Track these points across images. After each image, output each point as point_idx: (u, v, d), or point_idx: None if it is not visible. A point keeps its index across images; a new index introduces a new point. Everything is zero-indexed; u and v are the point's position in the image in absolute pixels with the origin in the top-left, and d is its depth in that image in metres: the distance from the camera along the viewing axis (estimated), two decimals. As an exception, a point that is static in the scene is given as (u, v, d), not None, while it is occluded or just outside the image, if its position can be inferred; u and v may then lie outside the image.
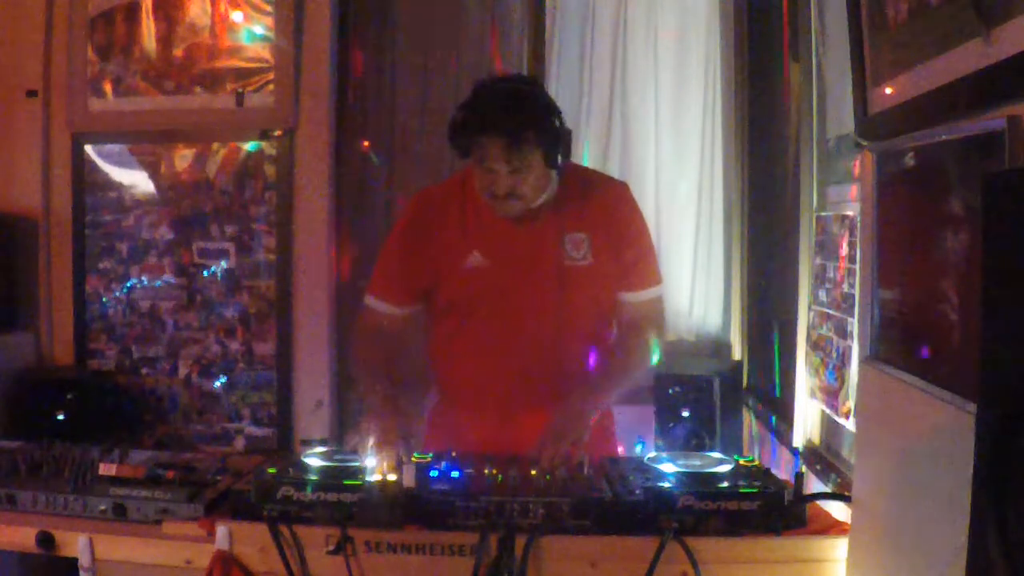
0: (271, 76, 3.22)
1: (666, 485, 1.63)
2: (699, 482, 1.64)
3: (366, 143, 3.48)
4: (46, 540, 1.63)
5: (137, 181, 3.31)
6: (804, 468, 2.21)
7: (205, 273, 3.29)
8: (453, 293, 2.05)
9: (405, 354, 2.09)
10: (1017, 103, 1.10)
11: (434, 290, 2.06)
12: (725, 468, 1.70)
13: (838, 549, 1.58)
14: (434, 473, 1.69)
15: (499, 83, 1.96)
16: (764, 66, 3.09)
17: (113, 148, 3.31)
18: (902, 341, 1.48)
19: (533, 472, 1.69)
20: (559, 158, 1.92)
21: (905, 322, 1.47)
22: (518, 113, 1.85)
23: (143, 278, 3.32)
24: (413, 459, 1.76)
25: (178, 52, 3.26)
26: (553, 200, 2.01)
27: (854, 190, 1.94)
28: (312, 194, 3.25)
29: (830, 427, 2.17)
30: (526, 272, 2.01)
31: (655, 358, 2.13)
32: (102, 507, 1.67)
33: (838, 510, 1.73)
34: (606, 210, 2.04)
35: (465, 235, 2.02)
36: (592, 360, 2.03)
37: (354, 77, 3.42)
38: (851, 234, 1.95)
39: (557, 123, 1.91)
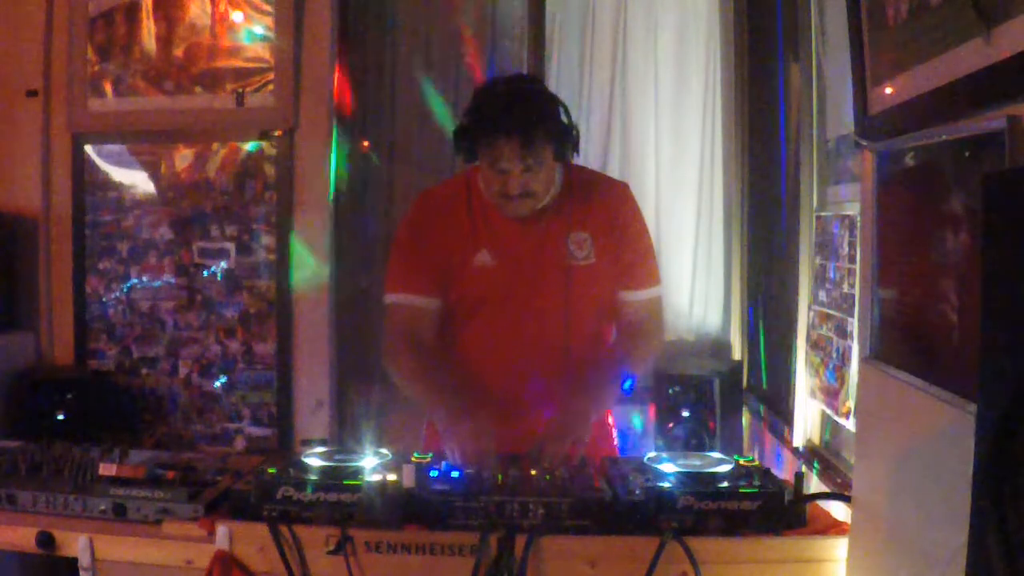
0: (271, 76, 3.22)
1: (666, 485, 1.62)
2: (699, 482, 1.64)
3: (366, 143, 3.48)
4: (46, 540, 1.63)
5: (137, 181, 3.31)
6: (804, 468, 2.21)
7: (205, 273, 3.29)
8: (460, 291, 2.05)
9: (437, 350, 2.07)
10: (1017, 103, 1.10)
11: (445, 288, 2.06)
12: (725, 468, 1.70)
13: (838, 549, 1.58)
14: (434, 473, 1.69)
15: (502, 84, 1.96)
16: (764, 66, 3.09)
17: (113, 148, 3.31)
18: (902, 341, 1.48)
19: (533, 472, 1.69)
20: (569, 154, 1.93)
21: (905, 322, 1.47)
22: (528, 111, 1.85)
23: (143, 278, 3.32)
24: (413, 459, 1.76)
25: (178, 52, 3.26)
26: (556, 200, 2.01)
27: (854, 190, 1.94)
28: (312, 194, 3.25)
29: (830, 427, 2.17)
30: (532, 271, 2.01)
31: (654, 358, 2.13)
32: (102, 507, 1.67)
33: (838, 510, 1.74)
34: (608, 210, 2.04)
35: (473, 234, 2.03)
36: (595, 359, 2.03)
37: (354, 77, 3.42)
38: (851, 234, 1.95)
39: (565, 118, 1.92)
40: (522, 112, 1.84)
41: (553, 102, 1.93)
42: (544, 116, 1.88)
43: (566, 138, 1.92)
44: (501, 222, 2.01)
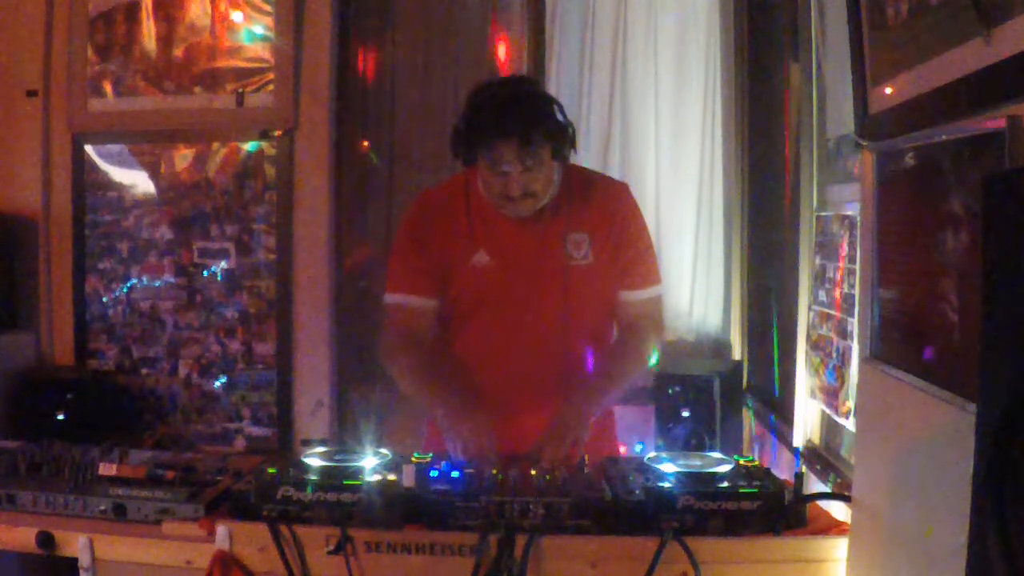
0: (271, 76, 3.22)
1: (666, 485, 1.63)
2: (699, 482, 1.64)
3: (366, 143, 3.48)
4: (46, 540, 1.63)
5: (137, 181, 3.31)
6: (804, 468, 2.21)
7: (205, 273, 3.29)
8: (458, 291, 2.05)
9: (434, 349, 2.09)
10: (1017, 103, 1.10)
11: (443, 288, 2.07)
12: (725, 468, 1.70)
13: (838, 549, 1.58)
14: (434, 473, 1.70)
15: (497, 86, 1.97)
16: (764, 66, 3.09)
17: (113, 148, 3.31)
18: (902, 341, 1.48)
19: (533, 472, 1.69)
20: (567, 152, 1.93)
21: (905, 322, 1.47)
22: (525, 112, 1.86)
23: (143, 278, 3.32)
24: (413, 459, 1.76)
25: (178, 52, 3.26)
26: (555, 200, 2.01)
27: (854, 190, 1.94)
28: (312, 194, 3.25)
29: (830, 427, 2.17)
30: (530, 271, 2.02)
31: (654, 358, 2.13)
32: (102, 507, 1.67)
33: (838, 510, 1.74)
34: (606, 210, 2.04)
35: (471, 234, 2.03)
36: (594, 359, 2.03)
37: (354, 77, 3.42)
38: (851, 234, 1.95)
39: (561, 117, 1.92)
40: (520, 113, 1.85)
41: (549, 102, 1.94)
42: (541, 116, 1.88)
43: (564, 137, 1.92)
44: (499, 222, 2.02)
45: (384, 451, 1.78)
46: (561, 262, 2.01)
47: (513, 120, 1.84)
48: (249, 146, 3.26)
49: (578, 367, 2.01)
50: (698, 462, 1.74)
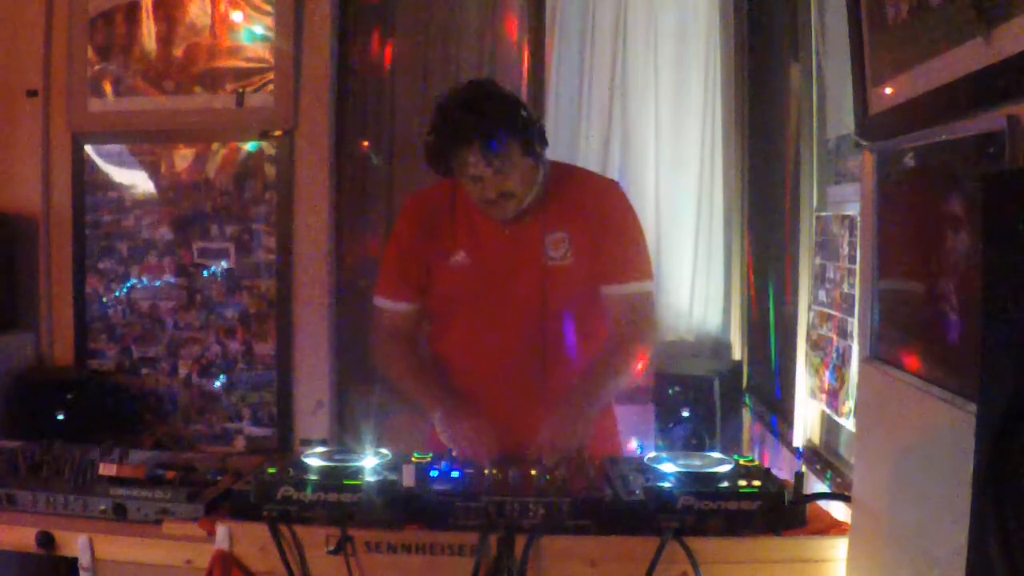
0: (271, 76, 3.22)
1: (666, 485, 1.62)
2: (699, 482, 1.64)
3: (366, 143, 3.48)
4: (46, 540, 1.63)
5: (137, 181, 3.31)
6: (804, 468, 2.21)
7: (205, 273, 3.29)
8: (439, 292, 2.08)
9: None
10: (1017, 103, 1.10)
11: (426, 289, 2.09)
12: (725, 468, 1.70)
13: (838, 549, 1.58)
14: (434, 473, 1.70)
15: (457, 95, 1.96)
16: (764, 66, 3.09)
17: (113, 148, 3.31)
18: (902, 341, 1.48)
19: (533, 472, 1.69)
20: (537, 147, 1.94)
21: (905, 322, 1.47)
22: (484, 114, 1.87)
23: (143, 278, 3.32)
24: (413, 459, 1.76)
25: (178, 52, 3.26)
26: (539, 200, 2.01)
27: (854, 190, 1.94)
28: (312, 194, 3.25)
29: (830, 427, 2.17)
30: (507, 272, 2.02)
31: (646, 354, 2.09)
32: (102, 507, 1.67)
33: (838, 510, 1.74)
34: (588, 207, 2.03)
35: (453, 235, 2.05)
36: (578, 359, 2.02)
37: (354, 77, 3.42)
38: (851, 234, 1.95)
39: (523, 113, 1.92)
40: (477, 118, 1.86)
41: (509, 100, 1.94)
42: (501, 116, 1.88)
43: (530, 133, 1.91)
44: (482, 224, 2.03)
45: (384, 451, 1.78)
46: (539, 263, 2.00)
47: (471, 125, 1.85)
48: (249, 146, 3.26)
49: (557, 368, 2.00)
50: (698, 462, 1.74)
